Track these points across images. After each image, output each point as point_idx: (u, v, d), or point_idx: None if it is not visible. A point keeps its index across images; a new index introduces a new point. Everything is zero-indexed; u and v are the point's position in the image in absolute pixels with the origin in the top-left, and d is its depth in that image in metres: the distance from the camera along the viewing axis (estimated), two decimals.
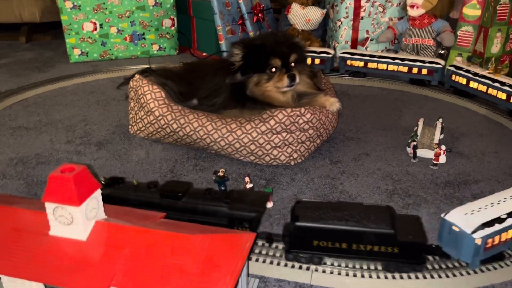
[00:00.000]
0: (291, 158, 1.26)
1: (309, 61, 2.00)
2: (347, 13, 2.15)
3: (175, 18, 2.43)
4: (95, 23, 2.30)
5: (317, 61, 2.03)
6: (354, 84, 2.00)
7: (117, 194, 0.97)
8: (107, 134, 1.49)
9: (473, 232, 0.84)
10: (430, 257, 0.90)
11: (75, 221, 0.69)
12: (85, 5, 2.25)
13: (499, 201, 0.91)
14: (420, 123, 1.42)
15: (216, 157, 1.32)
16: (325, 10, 2.28)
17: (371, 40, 2.22)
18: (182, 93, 1.41)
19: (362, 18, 2.16)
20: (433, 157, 1.27)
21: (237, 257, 0.70)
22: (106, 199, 0.92)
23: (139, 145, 1.40)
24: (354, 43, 2.21)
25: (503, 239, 0.88)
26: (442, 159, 1.29)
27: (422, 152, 1.32)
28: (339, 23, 2.18)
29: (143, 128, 1.37)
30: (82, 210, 0.69)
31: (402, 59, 1.92)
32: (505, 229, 0.87)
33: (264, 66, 1.27)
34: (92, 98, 1.83)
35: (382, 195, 1.13)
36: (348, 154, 1.35)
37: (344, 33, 2.19)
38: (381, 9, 2.16)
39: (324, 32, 2.42)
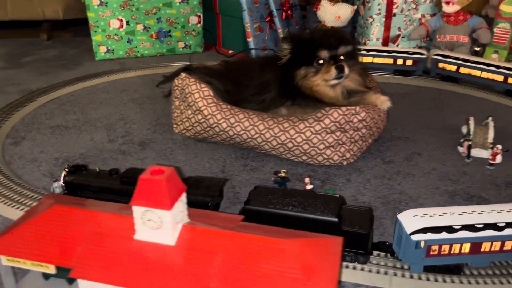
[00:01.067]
0: (344, 157, 1.24)
1: (400, 61, 1.95)
2: (379, 9, 2.12)
3: (201, 15, 2.40)
4: (121, 20, 2.27)
5: (409, 62, 1.95)
6: (390, 82, 1.97)
7: (80, 181, 1.01)
8: (149, 133, 1.46)
9: (412, 233, 0.81)
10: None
11: (164, 225, 0.66)
12: (112, 1, 2.22)
13: (463, 212, 0.85)
14: (472, 122, 1.38)
15: (265, 157, 1.30)
16: (355, 7, 2.25)
17: (402, 37, 2.19)
18: (228, 91, 1.38)
19: (394, 14, 2.13)
20: (490, 157, 1.24)
21: (332, 262, 0.67)
22: (70, 186, 1.01)
23: (184, 145, 1.38)
24: (386, 40, 2.18)
25: (455, 250, 0.83)
26: (498, 159, 1.26)
27: (475, 152, 1.30)
28: (371, 20, 2.15)
29: (190, 127, 1.34)
30: (173, 214, 0.66)
31: (498, 67, 1.78)
32: (458, 241, 0.82)
33: (311, 58, 1.25)
34: (126, 96, 1.80)
35: (443, 196, 1.11)
36: (399, 154, 1.33)
37: (376, 30, 2.16)
38: (414, 6, 2.13)
39: (353, 29, 2.38)
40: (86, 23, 2.26)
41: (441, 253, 0.83)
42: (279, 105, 1.26)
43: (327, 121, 1.18)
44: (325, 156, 1.22)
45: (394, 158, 1.30)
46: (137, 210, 0.66)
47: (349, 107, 1.19)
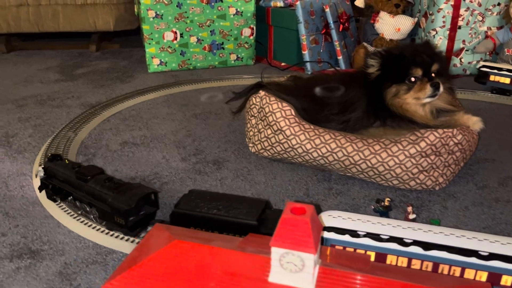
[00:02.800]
0: (437, 182, 1.17)
1: (504, 80, 1.85)
2: (444, 22, 2.04)
3: (254, 27, 2.36)
4: (176, 33, 2.25)
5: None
6: (459, 97, 1.89)
7: (51, 168, 1.11)
8: (220, 152, 1.42)
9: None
10: None
11: (305, 268, 0.61)
12: (167, 14, 2.20)
13: (388, 224, 0.83)
14: None
15: (348, 179, 1.24)
16: (416, 19, 2.18)
17: (466, 50, 2.11)
18: (305, 109, 1.33)
19: (459, 27, 2.05)
20: None
21: None
22: (46, 172, 1.12)
23: (259, 165, 1.33)
24: (449, 53, 2.09)
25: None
26: None
27: None
28: (434, 32, 2.07)
29: (268, 148, 1.29)
30: (317, 256, 0.61)
31: None
32: (360, 246, 0.82)
33: (403, 76, 1.19)
34: (188, 112, 1.77)
35: None
36: (491, 178, 1.25)
37: (439, 43, 2.08)
38: (480, 18, 2.05)
39: (412, 41, 2.31)
40: (133, 34, 2.25)
41: None
42: (367, 125, 1.20)
43: (422, 144, 1.11)
44: (418, 181, 1.15)
45: (487, 182, 1.22)
46: (277, 252, 0.61)
47: (445, 130, 1.12)
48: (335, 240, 0.83)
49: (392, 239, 0.79)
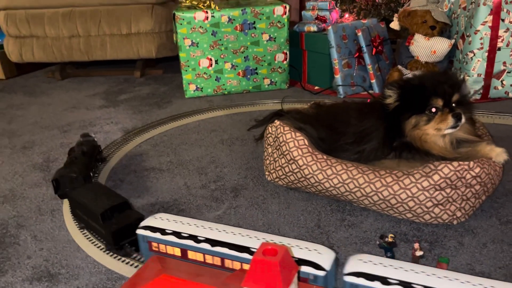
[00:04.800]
0: (454, 217, 1.12)
1: None
2: (481, 43, 1.96)
3: (287, 52, 2.39)
4: (211, 59, 2.34)
5: None
6: (495, 123, 1.80)
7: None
8: (240, 179, 1.45)
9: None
10: None
11: None
12: (202, 42, 2.29)
13: (217, 228, 0.92)
14: None
15: (363, 211, 1.22)
16: (453, 41, 2.11)
17: (508, 72, 2.01)
18: (322, 138, 1.33)
19: (499, 48, 1.96)
20: None
21: None
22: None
23: (275, 193, 1.34)
24: (488, 76, 2.01)
25: (169, 251, 0.93)
26: None
27: None
28: (472, 54, 2.00)
29: (283, 176, 1.31)
30: None
31: None
32: (168, 243, 0.92)
33: (423, 106, 1.16)
34: (216, 137, 1.82)
35: None
36: None
37: (477, 65, 2.00)
38: None
39: (449, 63, 2.24)
40: (175, 60, 2.35)
41: (159, 250, 0.94)
42: (381, 156, 1.19)
43: (436, 177, 1.08)
44: (433, 215, 1.11)
45: None
46: None
47: (461, 162, 1.08)
48: (149, 237, 0.95)
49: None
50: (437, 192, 1.09)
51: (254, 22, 2.30)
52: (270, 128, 1.35)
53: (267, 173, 1.39)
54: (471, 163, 1.08)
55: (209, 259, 0.87)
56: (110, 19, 2.68)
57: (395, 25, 2.28)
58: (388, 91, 1.19)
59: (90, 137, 1.59)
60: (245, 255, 0.83)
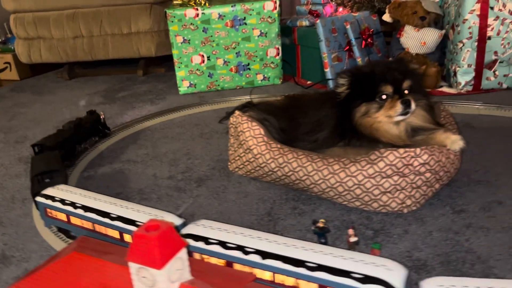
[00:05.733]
0: (404, 205, 1.10)
1: None
2: (470, 33, 1.91)
3: (279, 47, 2.39)
4: (203, 56, 2.37)
5: None
6: (480, 114, 1.75)
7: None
8: (208, 170, 1.47)
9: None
10: None
11: (157, 284, 0.63)
12: (194, 39, 2.33)
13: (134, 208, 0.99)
14: None
15: (317, 200, 1.21)
16: (443, 31, 2.06)
17: (500, 62, 1.94)
18: (284, 129, 1.33)
19: (489, 38, 1.90)
20: None
21: None
22: None
23: (237, 183, 1.35)
24: (479, 66, 1.94)
25: (74, 222, 1.05)
26: None
27: None
28: (461, 44, 1.94)
29: (241, 166, 1.32)
30: (165, 273, 0.63)
31: None
32: (78, 216, 1.04)
33: (373, 94, 1.15)
34: (197, 131, 1.85)
35: None
36: (475, 202, 1.14)
37: (467, 55, 1.94)
38: None
39: (442, 54, 2.18)
40: None
41: (55, 216, 1.07)
42: (332, 145, 1.18)
43: (381, 164, 1.07)
44: (381, 203, 1.10)
45: (467, 207, 1.12)
46: (133, 266, 0.65)
47: (407, 149, 1.06)
48: (47, 204, 1.06)
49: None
50: (384, 180, 1.08)
51: (245, 18, 2.32)
52: (231, 119, 1.37)
53: (229, 163, 1.41)
54: (418, 149, 1.06)
55: (100, 229, 1.00)
56: (111, 19, 2.76)
57: (387, 17, 2.25)
58: (340, 79, 1.18)
59: (94, 114, 1.78)
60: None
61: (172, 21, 2.30)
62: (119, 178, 1.48)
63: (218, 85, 2.44)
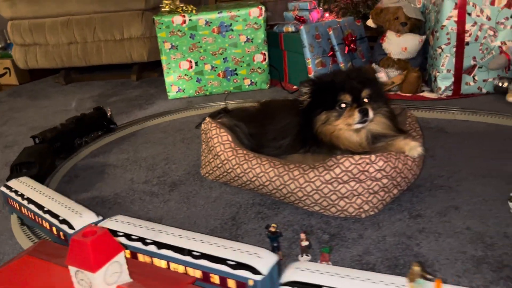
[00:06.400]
0: (362, 210, 1.13)
1: None
2: (448, 39, 1.93)
3: (266, 53, 2.43)
4: (191, 61, 2.42)
5: None
6: (455, 119, 1.77)
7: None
8: (183, 174, 1.51)
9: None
10: None
11: (93, 286, 0.67)
12: (182, 45, 2.38)
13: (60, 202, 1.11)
14: None
15: (282, 205, 1.25)
16: (424, 37, 2.09)
17: (479, 67, 1.96)
18: (253, 134, 1.37)
19: (467, 43, 1.92)
20: None
21: None
22: None
23: (209, 187, 1.39)
24: (458, 72, 1.96)
25: (23, 211, 1.19)
26: None
27: None
28: (440, 50, 1.96)
29: (211, 171, 1.36)
30: (100, 276, 0.67)
31: None
32: (24, 206, 1.17)
33: (333, 102, 1.18)
34: (179, 136, 1.89)
35: (466, 264, 0.94)
36: (433, 207, 1.17)
37: (446, 61, 1.96)
38: (492, 33, 1.90)
39: (424, 60, 2.20)
40: None
41: None
42: (294, 152, 1.22)
43: (337, 170, 1.10)
44: (339, 208, 1.13)
45: (425, 212, 1.15)
46: (72, 269, 0.69)
47: (363, 156, 1.10)
48: None
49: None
50: (340, 185, 1.11)
51: (231, 24, 2.36)
52: (203, 125, 1.41)
53: (201, 168, 1.45)
54: (373, 156, 1.10)
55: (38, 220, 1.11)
56: (104, 26, 2.82)
57: (370, 22, 2.27)
58: (303, 88, 1.22)
59: (100, 110, 1.97)
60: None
61: (160, 28, 2.35)
62: (97, 181, 1.53)
63: (207, 90, 2.48)
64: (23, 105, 2.73)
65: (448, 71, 1.98)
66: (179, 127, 2.01)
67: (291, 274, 0.74)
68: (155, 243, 0.85)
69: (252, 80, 2.49)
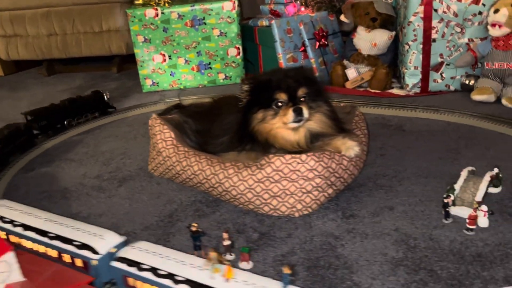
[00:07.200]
0: (295, 209, 1.13)
1: None
2: (415, 35, 1.91)
3: (240, 47, 2.42)
4: (164, 55, 2.41)
5: None
6: (416, 117, 1.75)
7: None
8: (135, 170, 1.51)
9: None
10: None
11: None
12: (155, 38, 2.37)
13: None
14: (464, 173, 1.16)
15: (221, 203, 1.25)
16: (393, 33, 2.06)
17: (447, 64, 1.94)
18: (200, 131, 1.37)
19: (434, 40, 1.90)
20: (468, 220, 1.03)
21: None
22: None
23: (156, 183, 1.40)
24: (426, 69, 1.94)
25: None
26: (484, 222, 1.03)
27: (460, 211, 1.08)
28: (407, 46, 1.94)
29: (156, 167, 1.36)
30: None
31: None
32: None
33: (269, 101, 1.17)
34: (142, 130, 1.89)
35: (384, 266, 0.94)
36: (369, 207, 1.17)
37: (413, 58, 1.94)
38: (459, 29, 1.87)
39: (395, 56, 2.18)
40: None
41: None
42: (232, 149, 1.21)
43: (268, 169, 1.10)
44: (271, 207, 1.13)
45: (359, 212, 1.15)
46: None
47: (294, 155, 1.09)
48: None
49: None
50: (272, 184, 1.11)
51: (204, 18, 2.35)
52: (149, 121, 1.41)
53: (149, 163, 1.45)
54: (304, 156, 1.09)
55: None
56: (83, 17, 2.82)
57: (343, 17, 2.25)
58: (243, 86, 1.21)
59: (98, 93, 2.10)
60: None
61: (133, 21, 2.35)
62: (51, 176, 1.54)
63: (181, 83, 2.48)
64: (1, 96, 2.74)
65: (416, 68, 1.96)
66: (145, 121, 1.99)
67: (125, 251, 0.83)
68: (22, 225, 0.92)
69: (227, 75, 2.48)
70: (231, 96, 1.40)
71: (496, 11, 1.71)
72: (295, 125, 1.16)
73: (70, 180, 1.49)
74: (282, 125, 1.17)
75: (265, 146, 1.16)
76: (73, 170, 1.57)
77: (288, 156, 1.09)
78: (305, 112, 1.14)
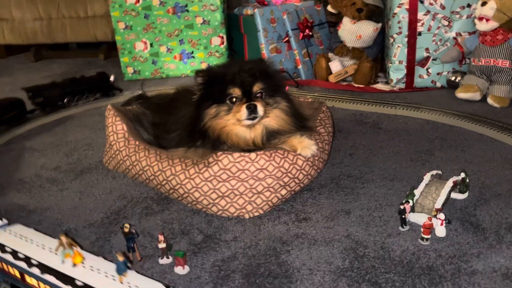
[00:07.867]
0: (244, 210, 1.07)
1: None
2: (400, 28, 1.82)
3: (224, 36, 2.34)
4: (146, 43, 2.34)
5: None
6: (395, 114, 1.67)
7: None
8: (95, 162, 1.46)
9: None
10: None
11: None
12: (136, 25, 2.30)
13: None
14: (427, 177, 1.09)
15: (172, 201, 1.18)
16: (379, 25, 1.97)
17: (433, 59, 1.84)
18: (156, 124, 1.31)
19: (419, 33, 1.81)
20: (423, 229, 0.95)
21: None
22: None
23: (112, 177, 1.34)
24: (411, 63, 1.85)
25: None
26: (441, 231, 0.96)
27: (418, 218, 1.01)
28: (392, 39, 1.85)
29: (108, 161, 1.31)
30: None
31: None
32: None
33: (223, 96, 1.10)
34: None
35: (326, 276, 0.87)
36: (324, 210, 1.10)
37: (398, 51, 1.85)
38: (446, 23, 1.78)
39: (382, 49, 2.09)
40: None
41: None
42: (182, 145, 1.15)
43: (216, 168, 1.03)
44: (220, 207, 1.07)
45: (314, 215, 1.08)
46: None
47: (242, 154, 1.03)
48: None
49: None
50: (220, 184, 1.04)
51: (187, 5, 2.28)
52: (106, 112, 1.35)
53: (103, 157, 1.39)
54: (253, 154, 1.02)
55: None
56: (68, 2, 2.76)
57: (330, 7, 2.16)
58: (198, 78, 1.14)
59: (104, 74, 2.12)
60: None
61: (114, 7, 2.28)
62: (9, 165, 1.49)
63: (163, 72, 2.41)
64: None
65: (400, 62, 1.87)
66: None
67: None
68: None
69: (210, 64, 2.40)
70: (187, 89, 1.32)
71: (484, 4, 1.61)
72: (249, 122, 1.09)
73: (26, 171, 1.43)
74: (236, 122, 1.10)
75: (216, 143, 1.09)
76: (33, 160, 1.51)
77: (236, 154, 1.02)
78: (260, 109, 1.07)
